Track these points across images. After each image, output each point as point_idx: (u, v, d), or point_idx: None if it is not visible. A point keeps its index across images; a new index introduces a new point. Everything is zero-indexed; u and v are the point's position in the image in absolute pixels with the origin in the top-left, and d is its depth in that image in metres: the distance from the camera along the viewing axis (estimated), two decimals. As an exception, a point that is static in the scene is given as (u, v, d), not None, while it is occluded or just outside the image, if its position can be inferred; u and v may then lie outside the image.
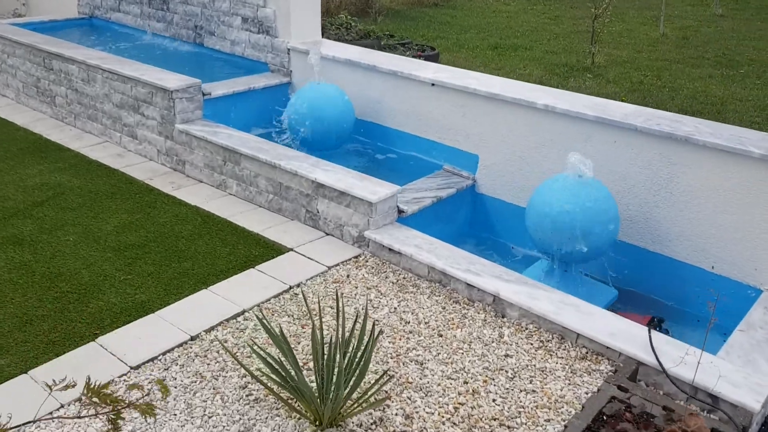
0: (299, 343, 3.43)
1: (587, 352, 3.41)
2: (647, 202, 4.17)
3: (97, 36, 7.32)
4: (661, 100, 9.27)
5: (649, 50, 12.05)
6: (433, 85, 5.02)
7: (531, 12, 15.88)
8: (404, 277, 4.08)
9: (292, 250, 4.36)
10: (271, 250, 4.36)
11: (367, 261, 4.25)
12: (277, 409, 2.98)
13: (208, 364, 3.29)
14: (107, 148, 5.86)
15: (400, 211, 4.45)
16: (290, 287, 3.94)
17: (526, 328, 3.59)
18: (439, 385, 3.18)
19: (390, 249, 4.16)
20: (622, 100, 9.18)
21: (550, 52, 11.80)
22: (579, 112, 4.29)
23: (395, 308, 3.77)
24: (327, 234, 4.55)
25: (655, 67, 10.93)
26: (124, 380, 3.17)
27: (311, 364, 3.22)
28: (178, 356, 3.35)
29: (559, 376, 3.25)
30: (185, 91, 5.25)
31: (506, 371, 3.29)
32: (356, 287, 3.97)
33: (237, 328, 3.57)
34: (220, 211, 4.86)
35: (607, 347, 3.33)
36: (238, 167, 4.96)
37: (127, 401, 1.88)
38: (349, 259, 4.28)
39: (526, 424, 2.95)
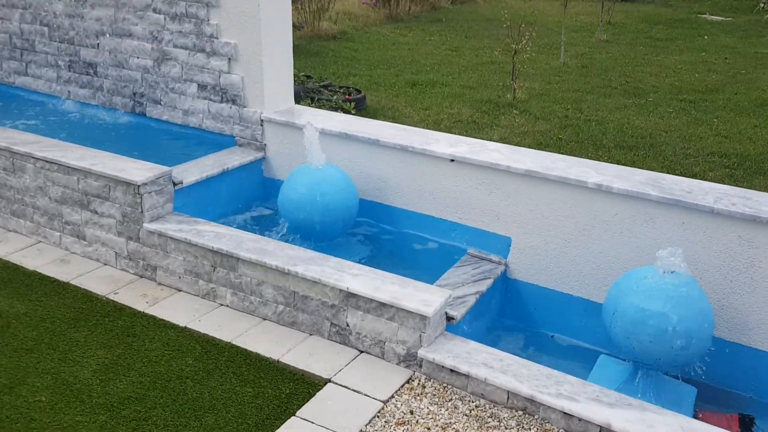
0: None
1: (733, 492, 2.93)
2: (722, 288, 3.80)
3: (1, 107, 6.10)
4: (593, 135, 9.22)
5: (558, 81, 12.11)
6: (452, 161, 4.43)
7: (430, 43, 15.61)
8: (477, 406, 3.43)
9: (329, 381, 3.60)
10: (304, 383, 3.57)
11: (424, 387, 3.57)
12: None
13: None
14: (44, 252, 4.76)
15: (449, 318, 3.81)
16: (352, 440, 3.19)
17: (651, 466, 3.06)
18: None
19: (453, 370, 3.51)
20: (559, 138, 9.05)
21: (466, 87, 11.56)
22: (640, 192, 3.86)
23: (489, 454, 3.12)
24: (362, 351, 3.82)
25: (571, 98, 10.96)
26: None
27: None
28: None
29: None
30: (155, 183, 4.32)
31: None
32: (428, 429, 3.28)
33: None
34: (219, 331, 3.98)
35: (758, 484, 2.87)
36: (234, 274, 4.11)
37: None
38: (402, 386, 3.57)
39: None
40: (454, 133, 9.07)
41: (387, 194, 4.76)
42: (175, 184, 4.48)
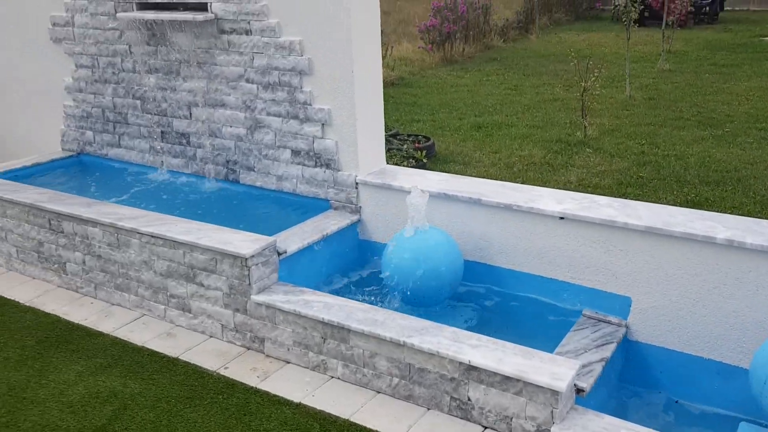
0: None
1: None
2: None
3: (97, 178, 6.24)
4: (675, 172, 8.90)
5: (627, 115, 11.80)
6: (561, 218, 4.28)
7: (488, 83, 15.48)
8: (622, 486, 3.22)
9: (458, 460, 3.44)
10: (432, 463, 3.42)
11: (560, 465, 3.37)
12: None
13: None
14: (150, 326, 4.77)
15: (578, 390, 3.61)
16: None
17: None
18: None
19: (591, 448, 3.31)
20: (639, 176, 8.76)
21: (533, 126, 11.36)
22: (776, 248, 3.63)
23: None
24: (486, 428, 3.65)
25: (644, 133, 10.65)
26: None
27: None
28: None
29: None
30: (261, 255, 4.29)
31: None
32: None
33: None
34: (334, 407, 3.87)
35: None
36: (345, 345, 4.02)
37: None
38: (536, 465, 3.39)
39: None
40: (529, 176, 8.91)
41: (491, 254, 4.63)
42: (279, 254, 4.44)
